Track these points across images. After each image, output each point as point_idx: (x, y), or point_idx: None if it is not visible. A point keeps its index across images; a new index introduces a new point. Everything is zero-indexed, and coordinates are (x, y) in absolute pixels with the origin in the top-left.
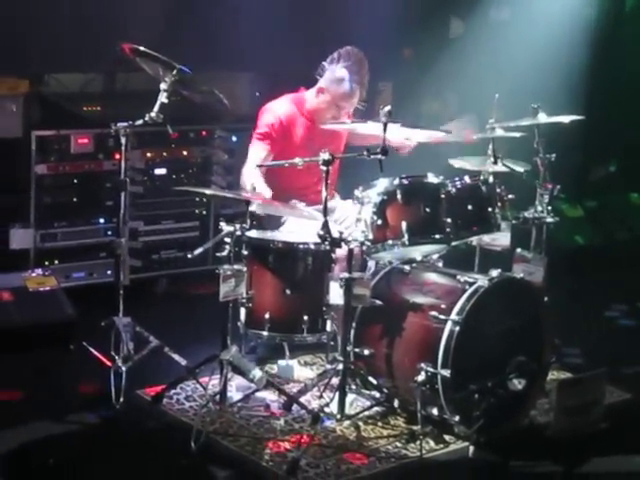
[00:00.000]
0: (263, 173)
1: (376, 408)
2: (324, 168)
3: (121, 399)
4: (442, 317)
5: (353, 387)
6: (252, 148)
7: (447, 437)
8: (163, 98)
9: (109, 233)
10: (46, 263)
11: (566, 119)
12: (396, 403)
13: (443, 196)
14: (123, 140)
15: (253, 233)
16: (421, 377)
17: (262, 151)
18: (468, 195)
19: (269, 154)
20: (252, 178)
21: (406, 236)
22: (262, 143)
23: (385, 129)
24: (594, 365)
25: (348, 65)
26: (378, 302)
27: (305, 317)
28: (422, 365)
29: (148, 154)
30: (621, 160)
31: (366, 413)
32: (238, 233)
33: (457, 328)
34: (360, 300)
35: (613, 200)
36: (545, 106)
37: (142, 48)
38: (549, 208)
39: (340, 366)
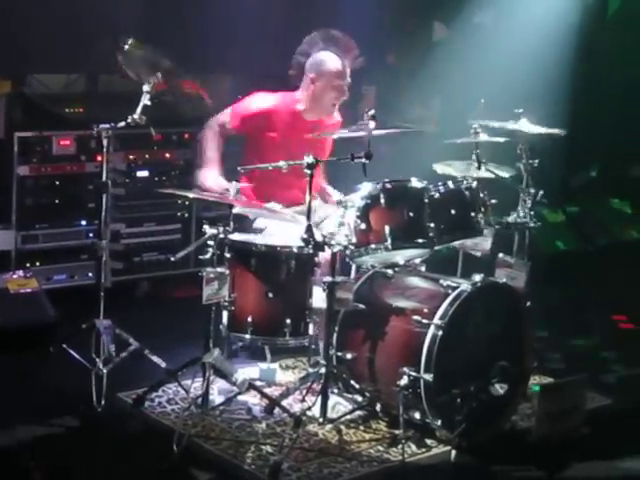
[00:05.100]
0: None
1: (358, 412)
2: (308, 172)
3: (102, 402)
4: (425, 321)
5: (335, 391)
6: (224, 112)
7: (429, 441)
8: (146, 100)
9: (90, 235)
10: (27, 265)
11: (548, 131)
12: (378, 407)
13: (426, 201)
14: (105, 142)
15: (236, 236)
16: (403, 381)
17: (228, 122)
18: (451, 200)
19: (231, 129)
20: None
21: (389, 240)
22: (231, 116)
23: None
24: (575, 370)
25: (324, 47)
26: (361, 306)
27: (287, 320)
28: (404, 369)
29: (130, 156)
30: (602, 166)
31: (348, 417)
32: (221, 236)
33: (440, 332)
34: (343, 304)
35: (594, 205)
36: (528, 111)
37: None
38: (532, 213)
39: (322, 370)
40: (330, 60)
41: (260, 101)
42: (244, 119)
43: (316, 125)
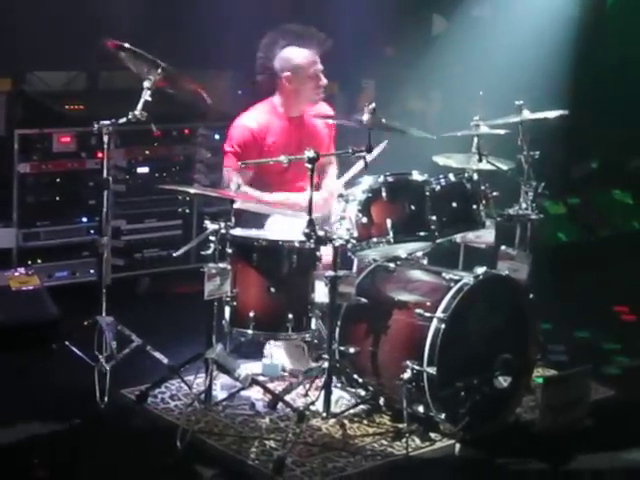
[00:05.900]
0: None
1: (362, 406)
2: (309, 166)
3: (105, 398)
4: (427, 315)
5: (338, 385)
6: (227, 168)
7: (433, 435)
8: (147, 96)
9: (92, 232)
10: (29, 262)
11: (551, 114)
12: (382, 401)
13: (428, 194)
14: (105, 139)
15: (237, 231)
16: (407, 375)
17: (236, 168)
18: (453, 192)
19: (246, 170)
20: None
21: (391, 234)
22: (236, 160)
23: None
24: (579, 362)
25: (286, 44)
26: (363, 300)
27: (290, 315)
28: (408, 363)
29: (131, 152)
30: (603, 157)
31: (352, 411)
32: (222, 231)
33: (443, 325)
34: (345, 298)
35: (595, 197)
36: (528, 103)
37: (127, 45)
38: (533, 205)
39: (325, 364)
40: (297, 53)
41: (244, 126)
42: (245, 149)
43: (300, 120)
